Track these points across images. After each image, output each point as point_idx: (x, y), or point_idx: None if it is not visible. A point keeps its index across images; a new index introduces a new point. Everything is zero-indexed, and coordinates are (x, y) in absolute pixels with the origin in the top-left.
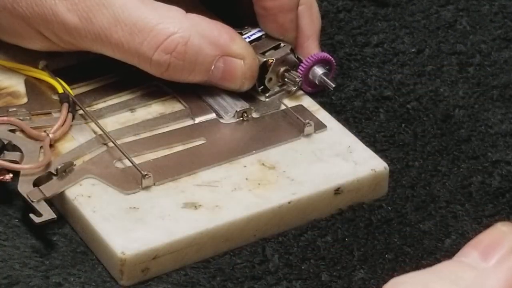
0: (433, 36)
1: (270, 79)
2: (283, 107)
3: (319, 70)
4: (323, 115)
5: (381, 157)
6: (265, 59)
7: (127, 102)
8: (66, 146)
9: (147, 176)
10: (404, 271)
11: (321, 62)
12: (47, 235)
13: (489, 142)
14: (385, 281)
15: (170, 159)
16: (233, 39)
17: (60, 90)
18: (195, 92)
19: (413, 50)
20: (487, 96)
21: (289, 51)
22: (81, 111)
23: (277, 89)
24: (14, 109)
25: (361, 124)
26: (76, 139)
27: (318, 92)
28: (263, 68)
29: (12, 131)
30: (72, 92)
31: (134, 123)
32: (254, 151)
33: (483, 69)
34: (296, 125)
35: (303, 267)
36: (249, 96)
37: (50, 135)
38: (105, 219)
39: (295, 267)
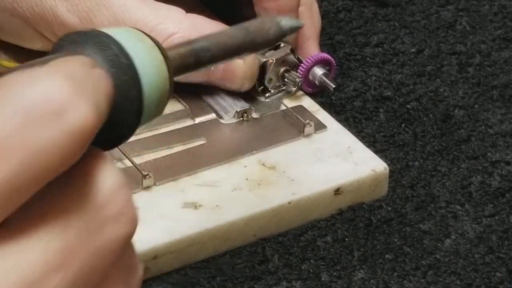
0: (433, 36)
1: (270, 79)
2: (283, 107)
3: (319, 71)
4: (323, 115)
5: (381, 157)
6: (265, 59)
7: None
8: None
9: (147, 176)
10: (404, 270)
11: (321, 62)
12: None
13: (489, 142)
14: (385, 281)
15: (170, 159)
16: None
17: None
18: (195, 92)
19: (413, 50)
20: (487, 96)
21: (289, 51)
22: None
23: (277, 89)
24: None
25: (361, 124)
26: None
27: (318, 93)
28: (263, 68)
29: None
30: None
31: None
32: (254, 151)
33: (483, 69)
34: (296, 125)
35: (303, 267)
36: (249, 96)
37: None
38: None
39: (295, 267)
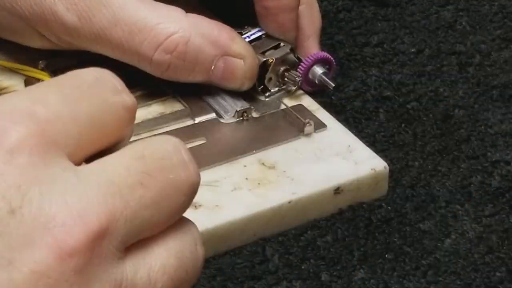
0: (433, 36)
1: (270, 78)
2: (283, 106)
3: (318, 70)
4: (323, 114)
5: (381, 157)
6: (265, 59)
7: None
8: None
9: None
10: (404, 270)
11: (321, 61)
12: None
13: (489, 142)
14: (385, 281)
15: None
16: (233, 38)
17: None
18: (195, 92)
19: (413, 50)
20: (487, 96)
21: (289, 50)
22: None
23: (277, 88)
24: None
25: (361, 124)
26: None
27: (318, 92)
28: (263, 67)
29: None
30: None
31: (134, 123)
32: (254, 151)
33: (483, 69)
34: (296, 124)
35: (303, 267)
36: (249, 96)
37: None
38: None
39: (295, 267)
